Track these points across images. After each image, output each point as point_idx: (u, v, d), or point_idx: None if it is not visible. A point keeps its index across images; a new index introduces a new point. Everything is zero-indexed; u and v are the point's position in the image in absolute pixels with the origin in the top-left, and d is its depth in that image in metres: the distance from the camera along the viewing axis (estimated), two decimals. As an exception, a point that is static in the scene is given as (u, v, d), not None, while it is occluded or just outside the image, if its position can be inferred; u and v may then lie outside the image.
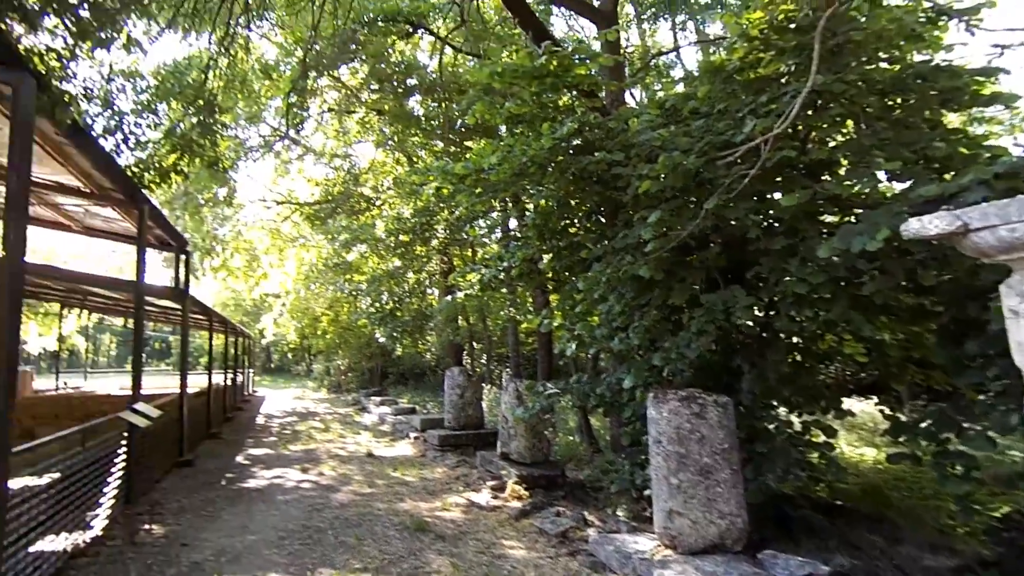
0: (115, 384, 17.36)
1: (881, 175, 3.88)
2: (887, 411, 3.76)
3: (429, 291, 16.32)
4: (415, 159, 12.85)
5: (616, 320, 5.12)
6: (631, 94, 10.08)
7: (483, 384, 11.23)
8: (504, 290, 8.47)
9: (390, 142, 13.18)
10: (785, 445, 4.05)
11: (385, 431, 11.41)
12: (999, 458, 2.92)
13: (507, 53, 9.43)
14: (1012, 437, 3.79)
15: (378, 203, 14.82)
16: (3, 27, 3.83)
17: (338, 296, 18.21)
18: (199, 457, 8.10)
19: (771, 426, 4.27)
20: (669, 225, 4.44)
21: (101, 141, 6.36)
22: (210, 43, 8.15)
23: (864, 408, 7.13)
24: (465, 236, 10.92)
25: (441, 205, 8.46)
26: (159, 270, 20.10)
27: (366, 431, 11.49)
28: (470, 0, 10.07)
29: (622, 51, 8.52)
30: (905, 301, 3.70)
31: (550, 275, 6.78)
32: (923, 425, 3.25)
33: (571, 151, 5.35)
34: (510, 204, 8.61)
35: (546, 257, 6.45)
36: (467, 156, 6.65)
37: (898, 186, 4.04)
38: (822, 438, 4.16)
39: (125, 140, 7.03)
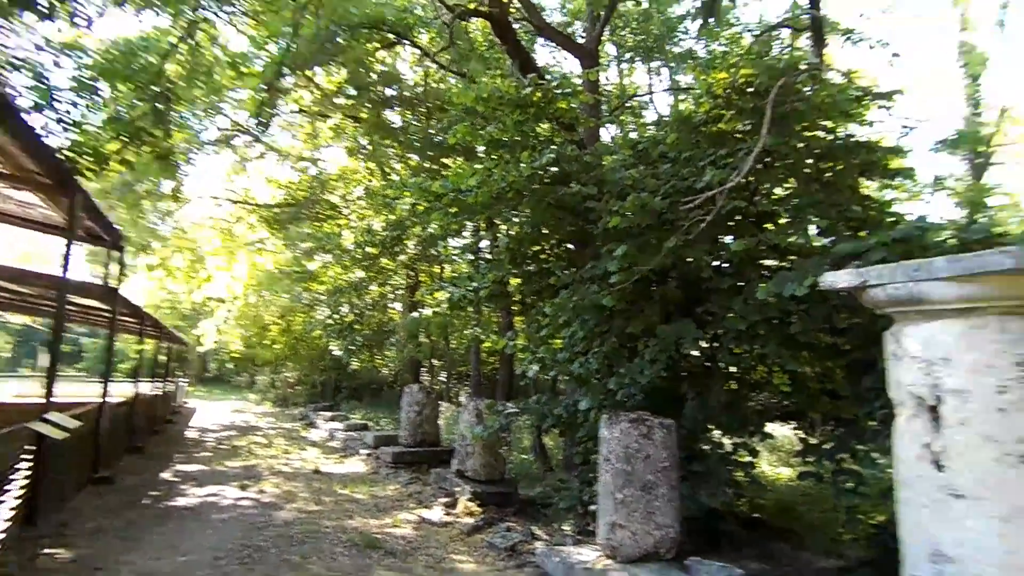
0: (9, 390, 16.26)
1: (813, 230, 4.66)
2: (802, 435, 4.45)
3: (392, 306, 16.60)
4: (389, 171, 13.32)
5: (578, 345, 5.68)
6: (607, 129, 10.93)
7: (441, 402, 11.59)
8: (471, 310, 8.96)
9: (364, 151, 13.62)
10: (719, 465, 4.68)
11: (335, 447, 11.56)
12: (881, 475, 3.60)
13: (490, 77, 10.11)
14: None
15: (346, 212, 15.16)
16: None
17: (293, 305, 18.26)
18: (119, 474, 7.73)
19: (707, 447, 4.90)
20: (633, 260, 5.07)
21: (27, 117, 5.66)
22: (173, 25, 8.02)
23: (784, 432, 7.92)
24: (436, 253, 11.38)
25: (414, 220, 8.93)
26: (73, 262, 19.47)
27: (314, 447, 11.59)
28: (458, 21, 10.76)
29: (600, 88, 9.32)
30: (823, 340, 4.43)
31: (518, 298, 7.32)
32: (826, 447, 3.93)
33: (548, 180, 5.95)
34: (483, 226, 9.17)
35: (515, 280, 6.99)
36: (445, 174, 7.19)
37: (825, 240, 4.82)
38: (748, 459, 4.83)
39: (59, 120, 6.43)
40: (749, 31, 9.49)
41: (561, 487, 5.74)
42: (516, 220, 6.28)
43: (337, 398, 18.66)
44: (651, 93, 11.08)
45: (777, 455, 9.03)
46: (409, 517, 6.34)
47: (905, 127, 6.02)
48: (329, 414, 14.78)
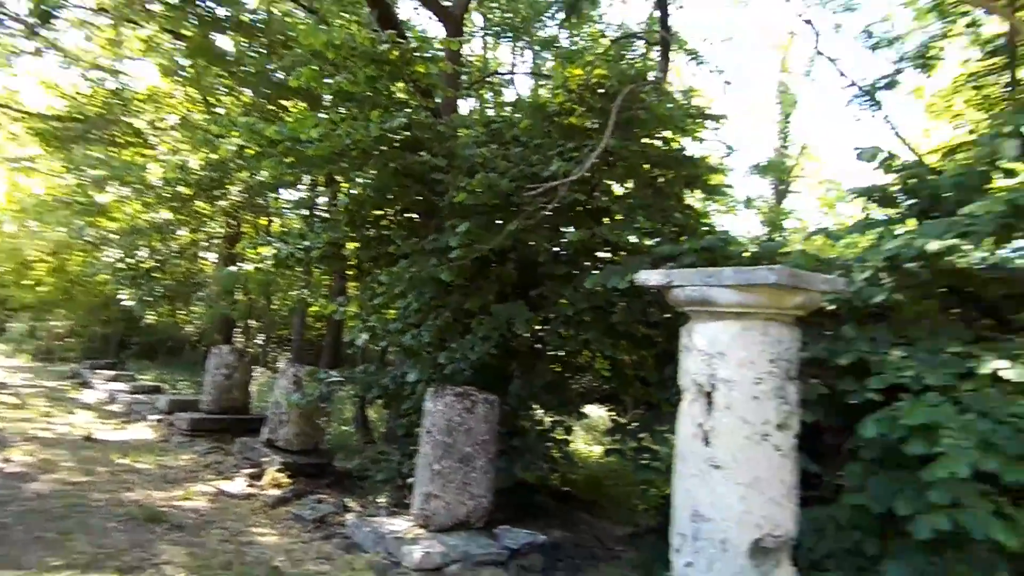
0: None
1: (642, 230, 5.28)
2: (615, 416, 5.12)
3: (205, 256, 14.94)
4: (215, 103, 11.93)
5: (412, 317, 5.77)
6: (465, 101, 11.03)
7: (256, 366, 10.91)
8: (299, 270, 8.52)
9: (183, 74, 12.00)
10: (537, 441, 5.16)
11: (115, 411, 10.26)
12: (671, 453, 4.36)
13: (345, 21, 9.55)
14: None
15: (154, 142, 13.24)
16: None
17: (71, 241, 15.55)
18: None
19: (528, 424, 5.36)
20: (475, 237, 5.26)
21: None
22: None
23: (600, 413, 9.00)
24: (263, 203, 10.51)
25: (240, 164, 8.15)
26: None
27: (87, 410, 10.16)
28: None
29: (463, 59, 9.33)
30: (641, 331, 5.08)
31: (354, 263, 7.15)
32: (631, 428, 4.59)
33: (397, 145, 5.86)
34: (322, 181, 8.73)
35: (353, 244, 6.80)
36: (283, 119, 6.70)
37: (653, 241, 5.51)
38: (564, 436, 5.42)
39: None
40: (605, 36, 10.24)
41: (381, 459, 5.84)
42: (360, 181, 6.08)
43: (123, 355, 16.42)
44: (513, 73, 11.39)
45: (592, 434, 10.12)
46: (204, 489, 5.96)
47: (727, 148, 7.06)
48: (111, 373, 13.00)
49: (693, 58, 9.08)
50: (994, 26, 8.02)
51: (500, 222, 5.51)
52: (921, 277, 3.91)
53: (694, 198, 6.70)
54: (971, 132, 8.97)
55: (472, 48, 11.85)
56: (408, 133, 5.82)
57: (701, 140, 6.02)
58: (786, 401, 3.05)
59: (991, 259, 3.78)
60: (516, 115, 6.53)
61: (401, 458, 5.57)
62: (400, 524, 4.58)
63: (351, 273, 8.77)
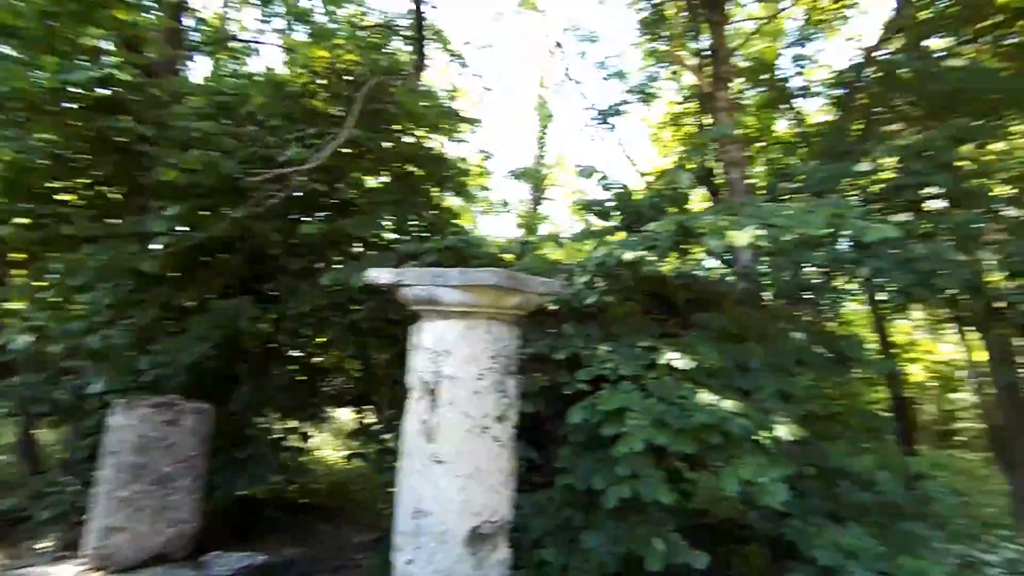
0: None
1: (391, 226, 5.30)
2: (363, 418, 5.02)
3: None
4: None
5: (103, 314, 4.89)
6: (196, 63, 9.77)
7: None
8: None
9: None
10: (269, 450, 4.79)
11: None
12: None
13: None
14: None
15: None
16: None
17: None
18: None
19: (257, 433, 4.95)
20: (191, 223, 4.68)
21: None
22: None
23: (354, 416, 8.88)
24: None
25: None
26: None
27: None
28: None
29: (190, 13, 8.21)
30: (389, 329, 5.07)
31: (20, 246, 5.78)
32: (374, 429, 4.57)
33: (89, 104, 4.90)
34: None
35: (24, 220, 5.47)
36: None
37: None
38: (300, 444, 5.14)
39: None
40: (364, 19, 10.04)
41: (48, 492, 4.78)
42: (24, 143, 4.88)
43: None
44: (259, 42, 10.35)
45: (341, 439, 9.78)
46: None
47: (484, 152, 7.48)
48: None
49: (455, 58, 9.41)
50: (690, 78, 10.00)
51: (231, 208, 4.97)
52: (627, 282, 4.65)
53: (452, 198, 6.95)
54: (673, 162, 11.03)
55: (207, 5, 10.52)
56: (107, 91, 4.91)
57: (458, 141, 6.29)
58: (505, 395, 3.33)
59: (682, 268, 4.67)
60: (252, 90, 6.00)
61: (81, 488, 4.64)
62: (67, 570, 3.81)
63: (22, 259, 7.07)
